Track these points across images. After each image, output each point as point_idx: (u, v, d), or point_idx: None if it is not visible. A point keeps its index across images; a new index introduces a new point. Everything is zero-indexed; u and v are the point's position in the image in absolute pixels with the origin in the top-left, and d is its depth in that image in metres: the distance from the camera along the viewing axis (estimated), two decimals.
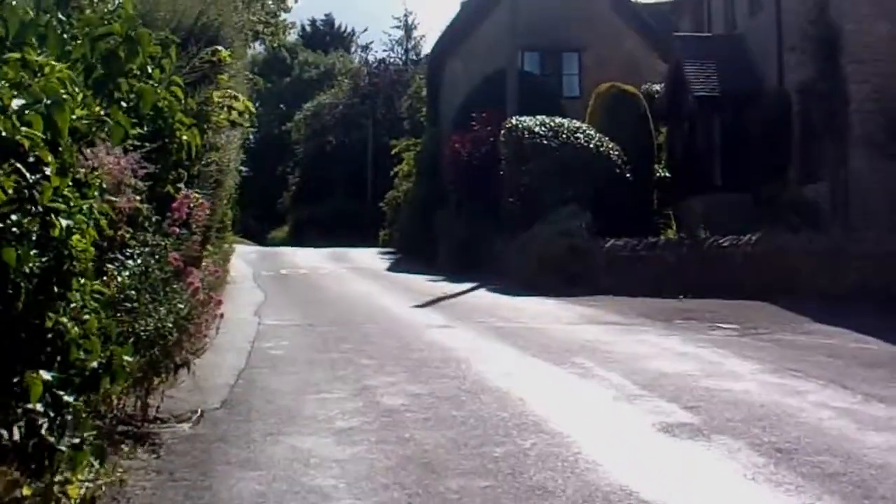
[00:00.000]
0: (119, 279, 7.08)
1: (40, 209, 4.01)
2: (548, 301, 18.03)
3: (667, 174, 26.77)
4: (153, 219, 7.91)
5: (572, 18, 32.80)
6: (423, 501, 5.54)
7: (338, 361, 10.62)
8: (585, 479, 5.96)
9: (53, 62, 4.41)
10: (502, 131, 25.65)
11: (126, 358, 4.57)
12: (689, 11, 30.71)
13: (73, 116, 4.41)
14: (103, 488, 5.35)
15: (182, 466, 6.26)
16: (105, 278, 7.02)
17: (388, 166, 46.18)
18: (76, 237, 4.28)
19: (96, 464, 4.82)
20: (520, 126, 24.92)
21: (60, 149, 4.09)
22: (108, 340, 4.73)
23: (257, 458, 6.45)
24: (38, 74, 4.29)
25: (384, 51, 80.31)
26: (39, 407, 4.08)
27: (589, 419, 7.78)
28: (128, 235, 7.39)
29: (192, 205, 7.91)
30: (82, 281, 4.47)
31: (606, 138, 24.82)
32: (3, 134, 3.89)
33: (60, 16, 4.86)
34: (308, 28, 78.52)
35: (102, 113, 5.08)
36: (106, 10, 6.40)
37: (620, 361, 10.57)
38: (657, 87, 29.12)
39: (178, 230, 7.51)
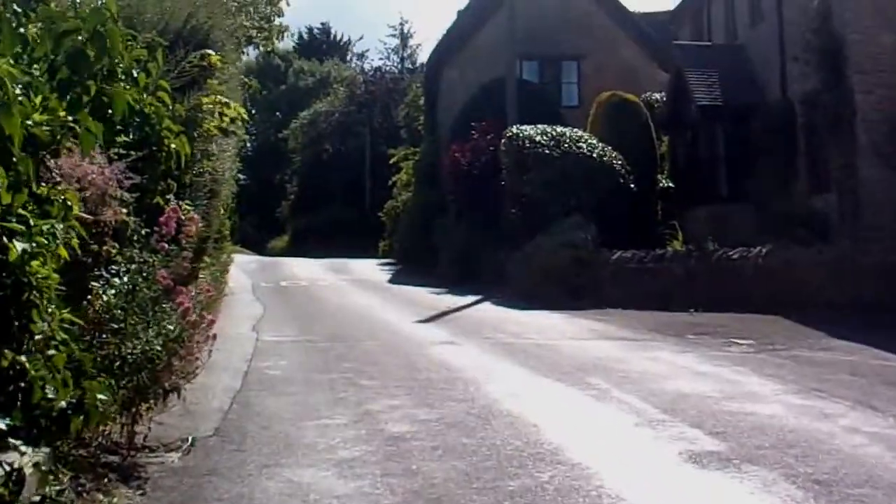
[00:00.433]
0: (104, 298, 6.57)
1: None
2: (553, 315, 17.57)
3: (670, 184, 26.33)
4: (142, 232, 7.41)
5: (570, 27, 32.56)
6: None
7: (338, 382, 10.10)
8: None
9: None
10: (503, 140, 25.32)
11: (100, 396, 4.00)
12: (689, 21, 30.24)
13: (30, 122, 3.86)
14: None
15: None
16: (91, 297, 6.53)
17: (385, 175, 46.03)
18: (37, 262, 3.72)
19: None
20: (521, 135, 24.53)
21: (14, 160, 3.53)
22: (81, 375, 4.18)
23: (252, 494, 5.92)
24: None
25: (380, 59, 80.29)
26: None
27: (609, 447, 7.24)
28: (114, 251, 6.88)
29: (181, 218, 7.37)
30: (50, 310, 3.91)
31: (609, 148, 24.41)
32: None
33: (17, 7, 4.29)
34: (305, 36, 78.43)
35: (69, 118, 4.48)
36: (78, 4, 5.82)
37: (636, 382, 10.05)
38: (657, 95, 28.73)
39: (166, 246, 6.96)
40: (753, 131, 22.88)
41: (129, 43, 7.24)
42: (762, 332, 14.47)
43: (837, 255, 17.45)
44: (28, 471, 3.63)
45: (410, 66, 68.74)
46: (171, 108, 8.67)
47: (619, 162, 24.21)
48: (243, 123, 13.23)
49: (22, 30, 4.29)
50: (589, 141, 24.59)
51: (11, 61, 3.97)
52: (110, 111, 4.87)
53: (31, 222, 3.65)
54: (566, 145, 24.12)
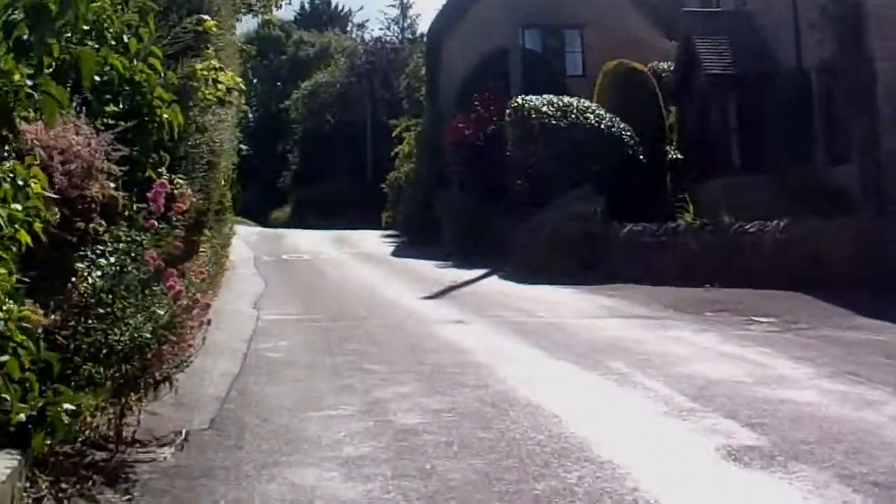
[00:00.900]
0: (90, 280, 5.99)
1: None
2: (563, 290, 17.05)
3: (678, 156, 25.69)
4: (134, 207, 6.82)
5: None
6: None
7: (343, 367, 9.52)
8: None
9: None
10: (507, 111, 24.80)
11: (67, 406, 3.40)
12: None
13: None
14: None
15: None
16: (75, 279, 5.95)
17: (386, 145, 45.65)
18: None
19: None
20: (526, 105, 24.04)
21: None
22: (47, 379, 3.58)
23: (250, 500, 5.34)
24: None
25: (380, 29, 79.50)
26: None
27: (639, 442, 6.62)
28: (101, 229, 6.29)
29: (173, 192, 6.77)
30: (6, 307, 3.31)
31: (617, 118, 23.89)
32: None
33: None
34: (306, 6, 77.94)
35: (27, 83, 3.81)
36: None
37: (659, 365, 9.45)
38: (664, 65, 28.01)
39: (155, 223, 6.35)
40: (767, 101, 22.18)
41: (119, 6, 6.65)
42: (783, 310, 13.86)
43: (860, 228, 16.79)
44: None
45: (410, 36, 68.28)
46: (163, 75, 8.09)
47: (628, 133, 23.69)
48: (241, 93, 12.66)
49: None
50: (596, 111, 24.07)
51: None
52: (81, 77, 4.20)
53: None
54: (573, 116, 23.66)
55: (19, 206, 3.46)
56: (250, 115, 59.53)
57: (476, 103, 28.07)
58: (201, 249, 13.54)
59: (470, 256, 23.91)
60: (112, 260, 6.04)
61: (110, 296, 5.98)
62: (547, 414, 7.30)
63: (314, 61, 67.47)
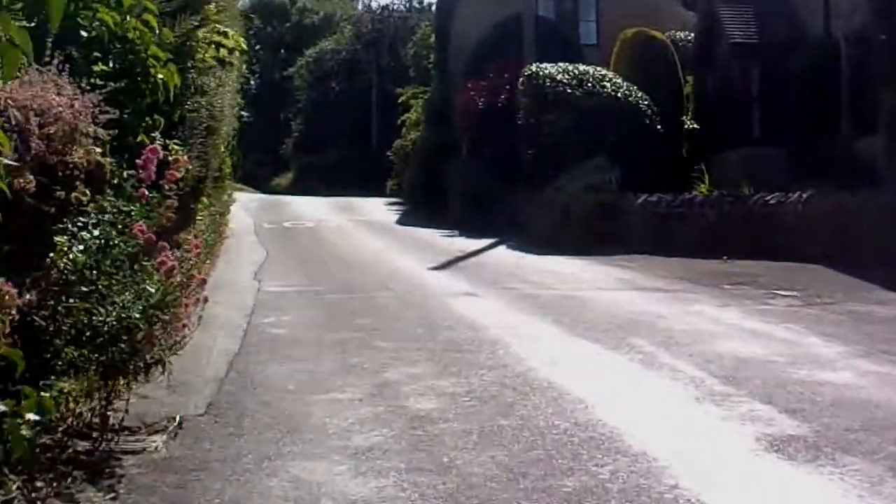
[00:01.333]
0: (71, 255, 5.45)
1: None
2: (576, 261, 16.60)
3: (695, 126, 25.07)
4: (124, 175, 6.27)
5: None
6: None
7: (350, 344, 9.00)
8: None
9: None
10: (521, 79, 24.23)
11: (30, 416, 2.86)
12: None
13: None
14: None
15: None
16: (54, 254, 5.41)
17: (392, 114, 45.05)
18: None
19: None
20: (541, 73, 23.56)
21: None
22: (9, 380, 3.04)
23: (248, 498, 4.83)
24: None
25: None
26: None
27: (673, 431, 6.09)
28: (85, 198, 5.74)
29: (167, 159, 6.22)
30: None
31: (634, 87, 23.33)
32: None
33: None
34: None
35: None
36: None
37: (684, 343, 8.91)
38: (682, 34, 27.36)
39: (146, 192, 5.80)
40: (792, 70, 21.48)
41: None
42: (806, 283, 13.32)
43: (885, 200, 16.19)
44: None
45: (418, 4, 67.30)
46: (158, 33, 7.54)
47: (645, 102, 23.21)
48: (242, 55, 12.11)
49: None
50: (613, 80, 23.57)
51: None
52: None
53: None
54: (589, 84, 23.22)
55: None
56: (252, 82, 58.83)
57: (489, 71, 27.45)
58: (198, 217, 13.04)
59: (476, 226, 23.43)
60: (96, 233, 5.50)
61: (94, 272, 5.45)
62: (571, 399, 6.77)
63: (319, 29, 66.73)
